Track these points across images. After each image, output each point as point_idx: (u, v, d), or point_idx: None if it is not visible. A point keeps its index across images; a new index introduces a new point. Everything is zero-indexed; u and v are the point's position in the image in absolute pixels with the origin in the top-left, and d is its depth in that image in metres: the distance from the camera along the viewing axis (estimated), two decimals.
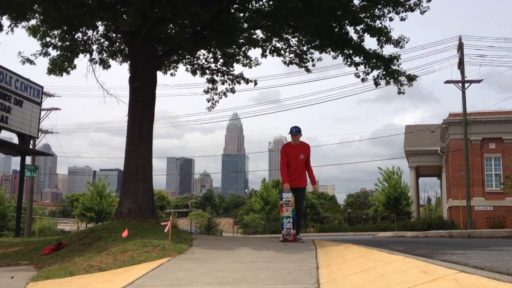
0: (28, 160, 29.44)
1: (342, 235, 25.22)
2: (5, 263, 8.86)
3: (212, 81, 16.28)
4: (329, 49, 14.03)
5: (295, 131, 9.27)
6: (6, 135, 20.63)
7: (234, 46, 15.28)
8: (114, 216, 12.72)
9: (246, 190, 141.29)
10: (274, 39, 15.12)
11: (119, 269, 6.20)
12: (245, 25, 14.68)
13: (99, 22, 14.19)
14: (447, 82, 30.19)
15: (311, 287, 4.48)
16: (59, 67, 14.70)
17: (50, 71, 14.79)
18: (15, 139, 19.28)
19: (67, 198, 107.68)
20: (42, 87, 20.07)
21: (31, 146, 24.46)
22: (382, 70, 14.04)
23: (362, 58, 13.89)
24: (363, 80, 14.57)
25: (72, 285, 5.22)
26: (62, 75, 14.84)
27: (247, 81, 16.47)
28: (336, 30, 13.36)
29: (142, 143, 12.75)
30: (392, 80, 14.04)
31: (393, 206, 35.76)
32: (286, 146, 9.38)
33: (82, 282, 5.40)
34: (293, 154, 9.25)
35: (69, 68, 14.94)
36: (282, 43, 15.29)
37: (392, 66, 13.96)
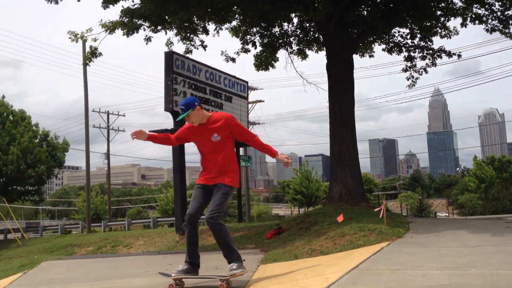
0: (241, 151, 32.01)
1: None
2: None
3: (410, 58, 15.64)
4: None
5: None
6: None
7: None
8: (326, 200, 13.12)
9: (458, 169, 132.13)
10: (475, 5, 13.82)
11: (340, 253, 6.38)
12: None
13: (293, 14, 14.75)
14: None
15: None
16: (264, 62, 15.81)
17: (258, 67, 16.03)
18: None
19: (278, 184, 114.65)
20: (247, 82, 21.48)
21: None
22: None
23: None
24: None
25: (299, 267, 5.54)
26: (268, 69, 16.06)
27: (449, 54, 15.46)
28: None
29: (344, 128, 12.89)
30: None
31: None
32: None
33: (308, 265, 5.69)
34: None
35: (272, 62, 15.99)
36: (483, 9, 13.92)
37: None
